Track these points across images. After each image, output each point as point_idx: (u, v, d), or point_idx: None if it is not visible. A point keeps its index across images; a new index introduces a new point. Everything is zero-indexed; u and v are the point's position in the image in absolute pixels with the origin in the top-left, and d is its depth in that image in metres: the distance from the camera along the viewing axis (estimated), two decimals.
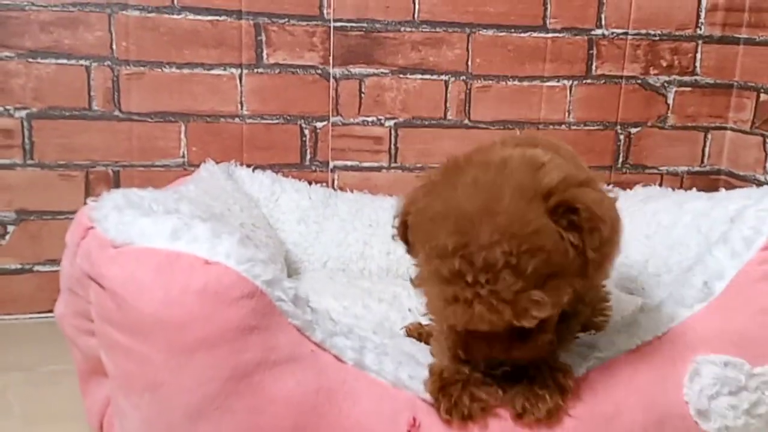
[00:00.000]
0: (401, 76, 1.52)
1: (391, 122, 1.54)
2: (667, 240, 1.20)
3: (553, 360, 0.75)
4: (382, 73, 1.51)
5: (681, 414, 0.76)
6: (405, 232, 0.74)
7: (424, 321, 1.10)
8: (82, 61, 1.38)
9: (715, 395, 0.76)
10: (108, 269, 0.72)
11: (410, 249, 0.75)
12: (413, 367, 0.79)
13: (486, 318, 0.64)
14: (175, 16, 1.40)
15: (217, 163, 1.43)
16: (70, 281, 0.80)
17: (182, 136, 1.45)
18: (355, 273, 1.39)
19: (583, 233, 0.64)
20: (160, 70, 1.41)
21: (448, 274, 0.64)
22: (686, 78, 1.64)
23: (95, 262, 0.74)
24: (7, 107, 1.36)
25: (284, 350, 0.72)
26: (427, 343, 1.04)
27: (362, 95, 1.51)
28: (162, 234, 0.72)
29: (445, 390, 0.74)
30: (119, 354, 0.73)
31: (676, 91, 1.64)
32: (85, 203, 0.83)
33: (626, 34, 1.59)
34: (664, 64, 1.62)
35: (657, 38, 1.60)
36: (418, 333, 1.06)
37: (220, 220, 1.09)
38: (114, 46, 1.39)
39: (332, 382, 0.73)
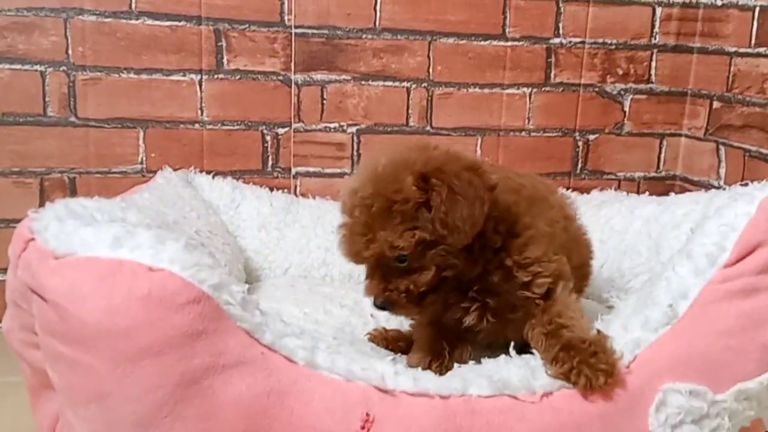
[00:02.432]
0: (363, 82, 1.53)
1: (354, 128, 1.54)
2: (619, 245, 1.22)
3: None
4: (344, 79, 1.52)
5: None
6: None
7: (388, 326, 1.11)
8: (37, 67, 1.36)
9: (678, 424, 0.77)
10: (49, 280, 0.71)
11: None
12: (366, 360, 0.80)
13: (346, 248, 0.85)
14: (132, 21, 1.39)
15: (177, 170, 1.42)
16: (14, 294, 0.78)
17: (140, 142, 1.43)
18: (317, 280, 1.39)
19: (431, 194, 0.81)
20: (117, 75, 1.40)
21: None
22: (642, 86, 1.67)
23: (36, 274, 0.72)
24: None
25: (233, 354, 0.72)
26: (390, 348, 1.04)
27: (324, 101, 1.52)
28: (103, 242, 0.71)
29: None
30: (64, 366, 0.72)
31: (632, 99, 1.68)
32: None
33: (583, 43, 1.62)
34: (621, 73, 1.66)
35: (613, 47, 1.64)
36: (383, 338, 1.06)
37: (169, 228, 1.08)
38: (70, 51, 1.37)
39: (283, 384, 0.73)
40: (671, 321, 0.81)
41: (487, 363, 0.82)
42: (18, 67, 1.35)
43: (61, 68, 1.37)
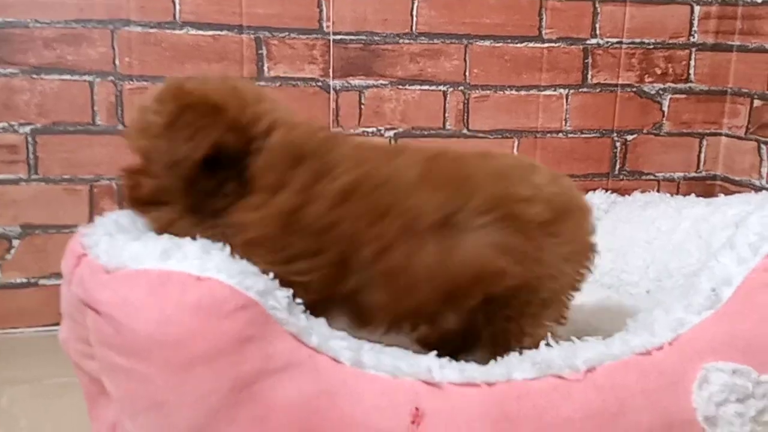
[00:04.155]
0: (400, 87, 1.54)
1: (391, 133, 1.55)
2: (667, 245, 1.22)
3: None
4: (381, 84, 1.53)
5: (689, 420, 0.78)
6: None
7: None
8: (85, 77, 1.40)
9: (722, 402, 0.77)
10: (101, 294, 0.74)
11: None
12: (411, 356, 0.81)
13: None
14: (177, 31, 1.42)
15: None
16: (69, 308, 0.81)
17: None
18: None
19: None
20: (162, 84, 1.43)
21: None
22: (680, 85, 1.66)
23: (89, 289, 0.75)
24: (12, 123, 1.38)
25: (282, 357, 0.73)
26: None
27: (362, 106, 1.53)
28: (152, 255, 0.74)
29: None
30: (120, 376, 0.75)
31: (670, 99, 1.66)
32: (89, 217, 0.85)
33: (620, 43, 1.61)
34: (659, 72, 1.65)
35: (651, 46, 1.63)
36: None
37: None
38: (117, 62, 1.41)
39: (332, 384, 0.74)
40: (714, 305, 0.83)
41: (529, 351, 0.83)
42: (67, 77, 1.39)
43: (109, 78, 1.41)
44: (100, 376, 0.79)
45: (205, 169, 0.80)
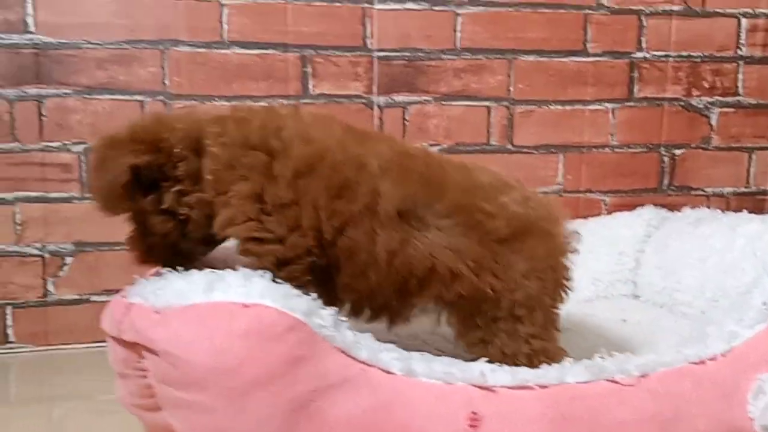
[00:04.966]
0: (444, 103, 1.54)
1: (435, 149, 1.55)
2: (721, 264, 1.19)
3: None
4: (425, 100, 1.53)
5: (746, 429, 0.78)
6: None
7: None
8: (136, 97, 1.42)
9: None
10: (155, 333, 0.76)
11: None
12: (462, 363, 0.81)
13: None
14: (224, 51, 1.44)
15: None
16: (118, 365, 0.84)
17: None
18: None
19: None
20: (210, 103, 1.45)
21: None
22: (729, 99, 1.63)
23: (141, 330, 0.77)
24: (66, 142, 1.41)
25: (335, 374, 0.75)
26: None
27: (406, 123, 1.54)
28: (197, 289, 0.77)
29: None
30: (183, 410, 0.77)
31: (719, 112, 1.64)
32: None
33: (667, 56, 1.59)
34: (706, 86, 1.62)
35: (698, 60, 1.61)
36: None
37: None
38: (166, 81, 1.43)
39: (387, 396, 0.75)
40: (767, 319, 0.82)
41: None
42: (119, 97, 1.42)
43: (159, 97, 1.43)
44: (159, 424, 0.81)
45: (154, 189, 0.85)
